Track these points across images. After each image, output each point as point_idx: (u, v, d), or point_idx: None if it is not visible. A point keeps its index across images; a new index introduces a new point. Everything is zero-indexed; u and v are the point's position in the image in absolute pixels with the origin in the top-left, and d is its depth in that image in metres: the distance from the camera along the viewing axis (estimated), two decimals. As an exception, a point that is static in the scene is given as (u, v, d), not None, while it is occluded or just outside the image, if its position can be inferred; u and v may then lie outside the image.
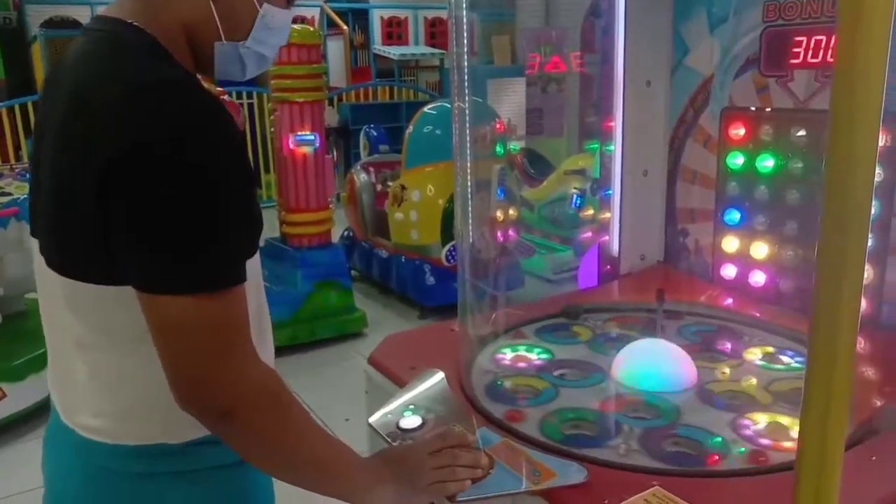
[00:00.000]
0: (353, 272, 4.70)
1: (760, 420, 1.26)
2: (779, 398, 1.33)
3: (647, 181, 1.95)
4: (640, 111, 1.91)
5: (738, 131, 1.74)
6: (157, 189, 0.78)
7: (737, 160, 1.76)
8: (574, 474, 1.11)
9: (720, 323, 1.69)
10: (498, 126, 4.37)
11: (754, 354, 1.53)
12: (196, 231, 0.80)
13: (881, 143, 1.55)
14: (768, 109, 1.69)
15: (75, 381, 0.94)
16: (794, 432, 1.19)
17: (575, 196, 4.50)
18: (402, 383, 1.45)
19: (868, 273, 1.54)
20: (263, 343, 1.01)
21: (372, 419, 1.32)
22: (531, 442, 1.22)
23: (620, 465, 1.15)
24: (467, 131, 1.53)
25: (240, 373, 0.84)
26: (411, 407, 1.33)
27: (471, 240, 1.63)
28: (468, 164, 1.55)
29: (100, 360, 0.91)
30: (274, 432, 0.88)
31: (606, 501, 1.05)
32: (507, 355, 1.60)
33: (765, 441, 1.20)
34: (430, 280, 4.22)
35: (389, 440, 1.26)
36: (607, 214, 2.06)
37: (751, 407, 1.31)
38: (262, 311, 1.03)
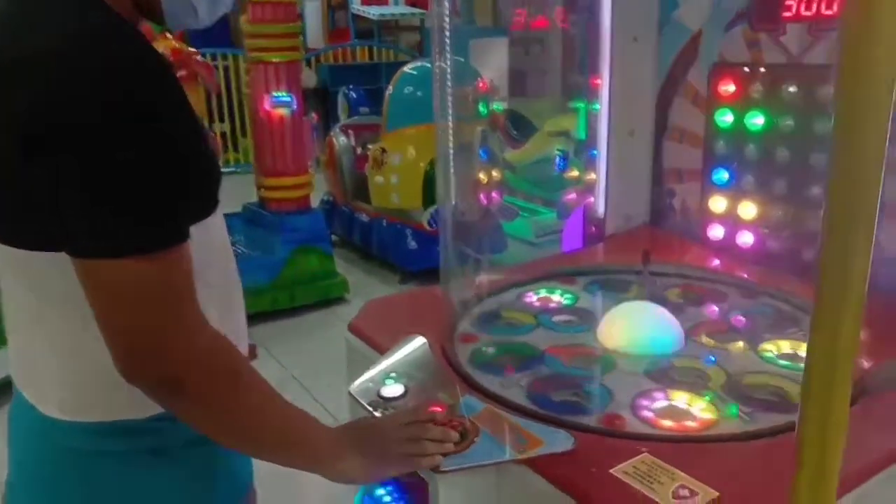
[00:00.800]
0: (333, 237, 4.63)
1: (677, 399, 1.18)
2: (731, 388, 1.22)
3: (634, 141, 1.90)
4: (626, 68, 1.85)
5: (728, 88, 1.69)
6: (87, 144, 0.72)
7: (726, 118, 1.71)
8: (561, 442, 1.07)
9: (785, 307, 1.52)
10: (480, 85, 4.28)
11: (775, 346, 1.36)
12: (128, 188, 0.74)
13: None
14: (761, 70, 1.63)
15: (31, 355, 0.89)
16: (693, 416, 1.14)
17: (558, 157, 4.44)
18: (383, 350, 1.41)
19: (858, 233, 1.50)
20: (233, 310, 0.96)
21: (352, 387, 1.28)
22: (454, 368, 1.26)
23: (608, 432, 1.12)
24: (448, 92, 1.47)
25: (187, 340, 0.79)
26: (393, 374, 1.29)
27: (453, 202, 1.58)
28: (449, 126, 1.49)
29: (52, 332, 0.86)
30: (230, 402, 0.83)
31: (594, 469, 1.02)
32: (538, 295, 1.63)
33: (645, 413, 1.14)
34: (412, 244, 4.17)
35: (371, 409, 1.22)
36: (592, 175, 2.01)
37: (688, 386, 1.22)
38: (232, 276, 0.98)
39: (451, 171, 1.53)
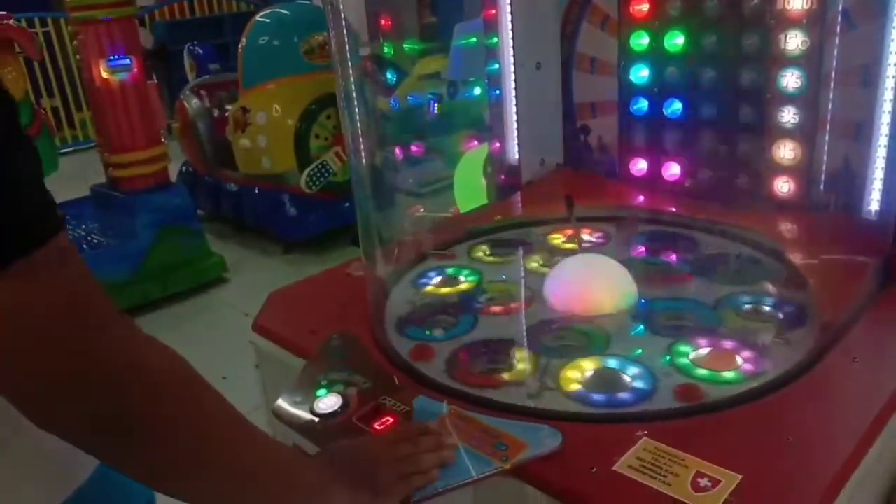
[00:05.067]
0: (199, 212, 4.20)
1: (704, 346, 1.08)
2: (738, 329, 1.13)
3: (541, 75, 1.73)
4: (525, -6, 1.66)
5: (641, 7, 1.54)
6: None
7: (641, 40, 1.56)
8: (547, 440, 0.90)
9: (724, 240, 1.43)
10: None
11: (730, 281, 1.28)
12: None
13: (803, 4, 1.41)
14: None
15: None
16: (746, 355, 1.05)
17: (431, 102, 4.23)
18: (302, 351, 1.18)
19: (795, 151, 1.42)
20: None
21: (277, 405, 1.05)
22: (435, 386, 1.04)
23: (594, 417, 0.97)
24: (344, 34, 1.23)
25: (117, 353, 0.56)
26: (323, 382, 1.07)
27: (363, 160, 1.35)
28: (350, 74, 1.25)
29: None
30: (184, 432, 0.61)
31: (594, 469, 0.86)
32: (432, 280, 1.40)
33: (702, 371, 1.03)
34: (291, 211, 3.83)
35: (305, 431, 1.00)
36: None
37: (698, 331, 1.12)
38: None
39: (358, 121, 1.29)
